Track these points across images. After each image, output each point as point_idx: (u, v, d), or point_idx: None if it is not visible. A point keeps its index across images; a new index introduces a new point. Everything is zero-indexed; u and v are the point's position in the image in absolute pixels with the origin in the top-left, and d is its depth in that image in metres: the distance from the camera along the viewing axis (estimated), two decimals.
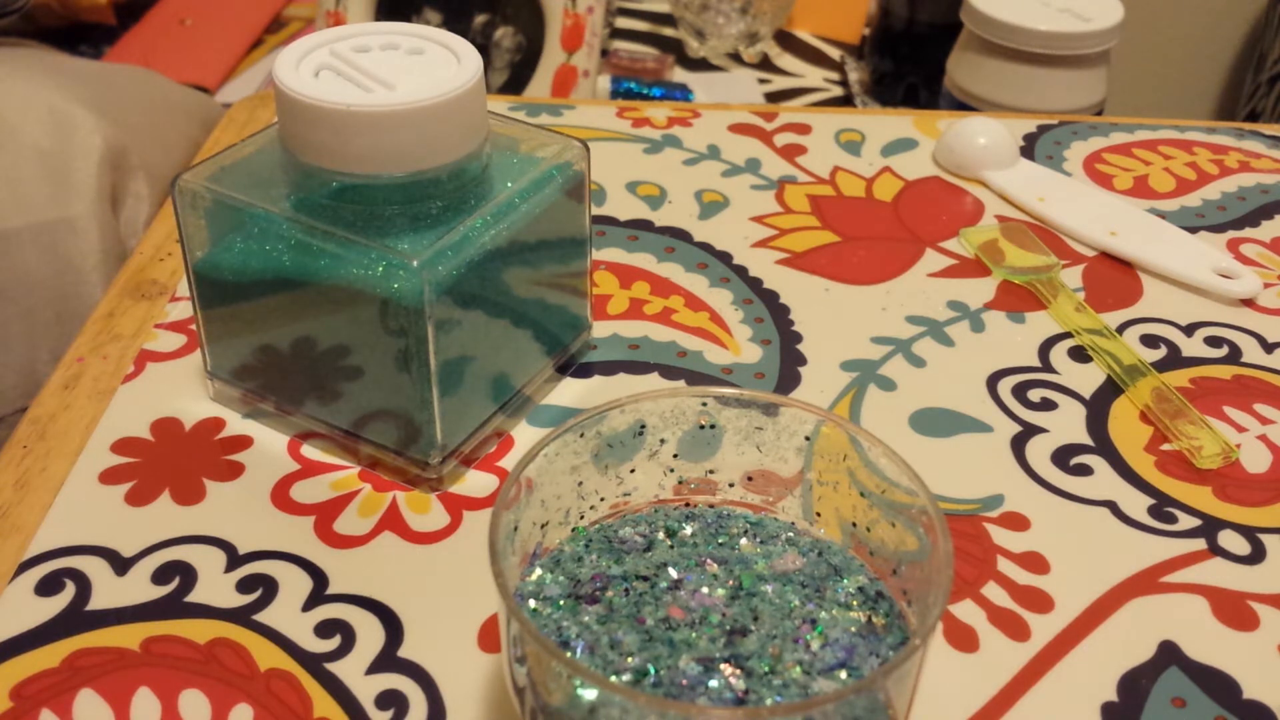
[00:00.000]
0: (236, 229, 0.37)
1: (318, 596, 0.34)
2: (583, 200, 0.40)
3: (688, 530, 0.31)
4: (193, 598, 0.34)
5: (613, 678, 0.26)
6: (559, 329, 0.42)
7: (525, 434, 0.40)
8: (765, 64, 1.05)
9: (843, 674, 0.27)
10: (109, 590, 0.34)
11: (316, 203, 0.36)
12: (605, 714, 0.24)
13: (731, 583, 0.29)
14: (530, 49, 0.93)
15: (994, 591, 0.35)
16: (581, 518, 0.31)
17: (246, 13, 1.05)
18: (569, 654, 0.27)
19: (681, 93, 0.96)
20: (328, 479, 0.38)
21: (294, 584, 0.35)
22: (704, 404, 0.31)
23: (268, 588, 0.34)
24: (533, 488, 0.29)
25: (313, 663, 0.32)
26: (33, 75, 0.65)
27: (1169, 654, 0.34)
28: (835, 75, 1.03)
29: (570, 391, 0.42)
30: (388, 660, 0.33)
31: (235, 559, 0.35)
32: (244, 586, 0.34)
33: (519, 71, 0.93)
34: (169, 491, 0.37)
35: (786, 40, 1.08)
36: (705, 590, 0.29)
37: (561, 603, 0.28)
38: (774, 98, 0.99)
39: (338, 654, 0.33)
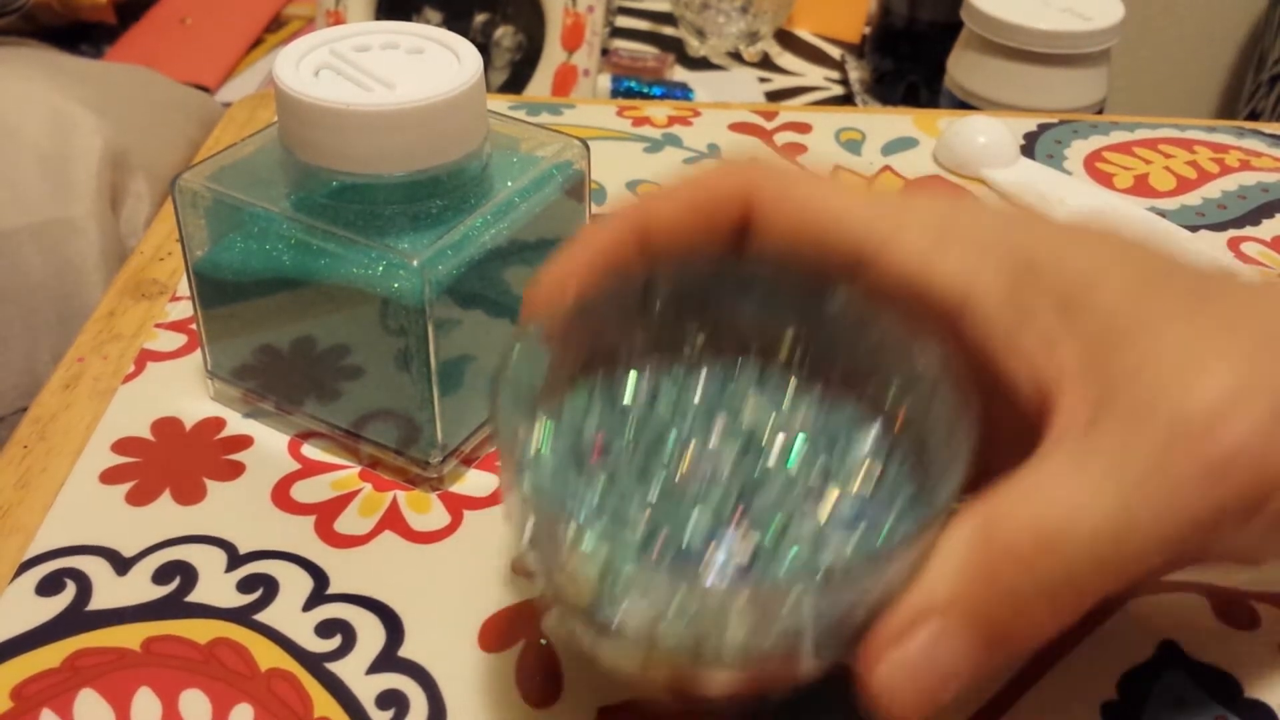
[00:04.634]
0: (236, 228, 0.37)
1: (318, 596, 0.34)
2: (583, 199, 0.40)
3: (697, 387, 0.30)
4: (193, 598, 0.34)
5: (622, 537, 0.26)
6: None
7: None
8: (766, 63, 1.05)
9: (858, 533, 0.26)
10: (109, 590, 0.34)
11: (316, 202, 0.36)
12: (615, 578, 0.24)
13: (742, 441, 0.28)
14: (530, 48, 0.93)
15: None
16: (586, 375, 0.30)
17: (246, 12, 1.05)
18: (575, 518, 0.26)
19: (682, 92, 0.96)
20: (328, 479, 0.38)
21: (294, 584, 0.35)
22: None
23: (268, 587, 0.34)
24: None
25: (313, 662, 0.32)
26: (33, 75, 0.65)
27: (1169, 654, 0.34)
28: (836, 74, 1.03)
29: None
30: (388, 660, 0.33)
31: (235, 559, 0.35)
32: (244, 586, 0.34)
33: (519, 70, 0.93)
34: (169, 491, 0.37)
35: (787, 39, 1.08)
36: (715, 447, 0.28)
37: (566, 466, 0.28)
38: (774, 97, 0.99)
39: (338, 654, 0.33)
